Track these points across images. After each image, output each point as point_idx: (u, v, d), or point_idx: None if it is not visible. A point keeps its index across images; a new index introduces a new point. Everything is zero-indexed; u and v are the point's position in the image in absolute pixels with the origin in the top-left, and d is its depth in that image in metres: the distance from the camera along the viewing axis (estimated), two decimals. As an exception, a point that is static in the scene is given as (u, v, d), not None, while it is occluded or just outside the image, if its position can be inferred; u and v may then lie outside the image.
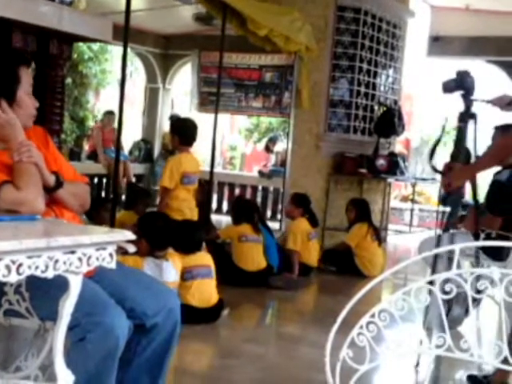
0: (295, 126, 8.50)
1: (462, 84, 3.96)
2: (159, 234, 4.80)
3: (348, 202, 7.85)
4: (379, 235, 7.69)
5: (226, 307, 5.29)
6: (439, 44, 11.00)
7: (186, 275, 5.00)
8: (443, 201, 4.22)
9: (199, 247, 5.24)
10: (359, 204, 7.78)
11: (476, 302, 3.49)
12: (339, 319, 2.31)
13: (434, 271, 3.92)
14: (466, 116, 3.97)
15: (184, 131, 6.02)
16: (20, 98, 2.61)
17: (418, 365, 4.08)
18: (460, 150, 3.98)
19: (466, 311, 5.44)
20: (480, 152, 3.97)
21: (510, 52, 10.70)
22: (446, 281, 2.32)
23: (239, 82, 11.82)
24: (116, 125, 11.12)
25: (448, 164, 4.01)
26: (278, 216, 10.21)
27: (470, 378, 3.99)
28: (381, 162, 8.75)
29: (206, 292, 5.08)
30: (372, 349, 2.27)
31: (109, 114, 10.91)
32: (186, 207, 5.90)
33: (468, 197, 10.17)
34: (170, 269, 4.77)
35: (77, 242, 2.16)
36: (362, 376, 2.34)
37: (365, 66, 8.64)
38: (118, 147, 5.95)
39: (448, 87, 4.05)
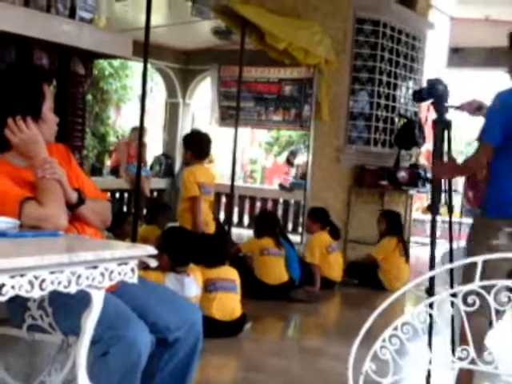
0: (315, 138, 8.49)
1: (433, 92, 4.01)
2: (181, 249, 4.81)
3: (379, 214, 7.82)
4: (407, 251, 7.65)
5: (248, 321, 5.29)
6: (459, 55, 10.97)
7: (210, 287, 5.01)
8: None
9: (223, 261, 5.25)
10: (391, 216, 7.75)
11: (499, 314, 3.47)
12: (362, 332, 2.30)
13: (431, 289, 3.88)
14: (439, 123, 4.01)
15: (197, 146, 6.05)
16: (45, 114, 2.65)
17: (429, 376, 4.03)
18: (436, 155, 4.03)
19: (490, 323, 5.39)
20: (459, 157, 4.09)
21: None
22: (469, 293, 2.30)
23: (259, 96, 11.84)
24: (145, 140, 11.27)
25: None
26: (299, 229, 10.19)
27: None
28: (402, 174, 8.71)
29: (228, 305, 5.08)
30: (395, 362, 2.26)
31: (136, 129, 10.98)
32: (203, 220, 5.91)
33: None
34: (192, 284, 4.78)
35: (99, 257, 2.17)
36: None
37: (384, 78, 8.63)
38: (140, 162, 5.98)
39: (419, 96, 4.11)
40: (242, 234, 10.25)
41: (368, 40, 8.46)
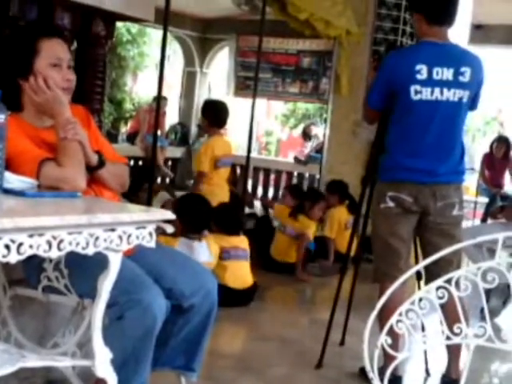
0: (333, 112, 8.43)
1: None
2: (194, 216, 4.82)
3: None
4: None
5: (260, 291, 5.31)
6: (481, 32, 10.80)
7: (224, 255, 5.06)
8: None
9: (239, 230, 5.34)
10: None
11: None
12: (378, 306, 2.28)
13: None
14: None
15: (215, 113, 6.04)
16: (38, 70, 2.54)
17: (428, 372, 4.03)
18: None
19: (504, 303, 5.39)
20: None
21: (553, 41, 10.51)
22: (487, 271, 2.27)
23: (276, 67, 11.76)
24: (166, 109, 11.23)
25: None
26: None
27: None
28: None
29: (241, 273, 5.15)
30: (410, 337, 2.24)
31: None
32: (219, 191, 5.92)
33: (508, 187, 10.06)
34: (203, 249, 4.78)
35: (117, 219, 2.15)
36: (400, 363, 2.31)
37: (405, 52, 8.53)
38: (156, 131, 5.95)
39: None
40: (255, 205, 10.22)
41: (390, 13, 8.35)
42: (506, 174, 9.97)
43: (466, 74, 3.45)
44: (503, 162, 9.88)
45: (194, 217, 4.81)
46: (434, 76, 3.41)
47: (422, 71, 3.40)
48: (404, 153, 3.51)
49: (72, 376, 2.50)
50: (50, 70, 2.56)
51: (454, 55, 3.50)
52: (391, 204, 3.53)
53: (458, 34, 11.14)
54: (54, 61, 2.57)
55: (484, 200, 10.19)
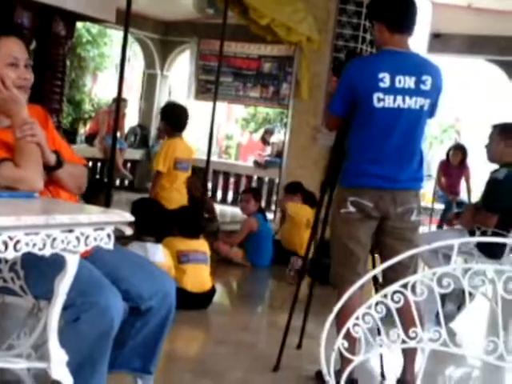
0: (293, 116, 8.48)
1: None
2: (148, 220, 4.79)
3: None
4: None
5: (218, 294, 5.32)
6: (440, 41, 10.94)
7: (183, 258, 5.03)
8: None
9: (199, 234, 5.30)
10: None
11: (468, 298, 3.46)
12: (335, 309, 2.29)
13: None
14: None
15: (174, 117, 6.03)
16: None
17: (383, 376, 4.07)
18: None
19: (458, 308, 5.47)
20: None
21: (511, 52, 10.69)
22: (443, 276, 2.30)
23: (237, 71, 11.78)
24: (125, 111, 11.16)
25: None
26: (273, 207, 10.21)
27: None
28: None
29: (200, 277, 5.11)
30: (367, 340, 2.26)
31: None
32: (176, 194, 5.91)
33: (463, 194, 10.21)
34: (156, 250, 4.74)
35: (75, 220, 2.14)
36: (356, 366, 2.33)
37: (365, 59, 8.61)
38: (115, 133, 5.93)
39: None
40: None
41: (350, 21, 8.42)
42: (462, 181, 10.12)
43: (428, 82, 3.49)
44: (459, 170, 10.03)
45: (148, 221, 4.77)
46: (397, 84, 3.44)
47: (385, 79, 3.43)
48: (366, 159, 3.54)
49: (27, 378, 2.47)
50: (6, 69, 2.54)
51: (415, 64, 3.53)
52: (352, 209, 3.56)
53: (417, 42, 11.30)
54: (11, 60, 2.55)
55: (440, 207, 10.34)
